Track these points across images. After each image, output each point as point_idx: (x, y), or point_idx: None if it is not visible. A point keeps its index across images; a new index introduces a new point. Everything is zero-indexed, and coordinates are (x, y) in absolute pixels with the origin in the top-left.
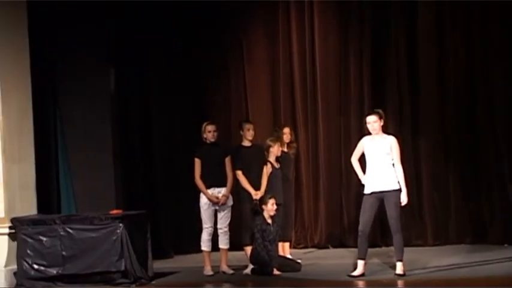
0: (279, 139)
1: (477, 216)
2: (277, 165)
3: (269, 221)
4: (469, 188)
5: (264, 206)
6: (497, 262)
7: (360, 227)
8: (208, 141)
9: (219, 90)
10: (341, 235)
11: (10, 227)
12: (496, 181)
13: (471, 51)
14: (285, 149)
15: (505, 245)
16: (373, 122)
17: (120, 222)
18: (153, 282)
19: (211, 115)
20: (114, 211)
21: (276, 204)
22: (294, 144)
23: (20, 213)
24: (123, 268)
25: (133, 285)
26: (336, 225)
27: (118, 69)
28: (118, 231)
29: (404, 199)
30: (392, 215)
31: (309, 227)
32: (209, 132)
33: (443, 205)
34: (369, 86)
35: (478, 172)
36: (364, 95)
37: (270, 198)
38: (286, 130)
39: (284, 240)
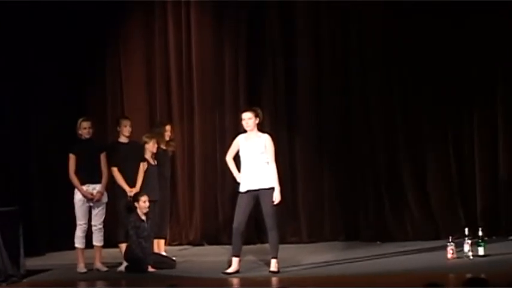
0: (159, 135)
1: (350, 214)
2: (153, 162)
3: (143, 218)
4: (343, 186)
5: (136, 204)
6: (370, 259)
7: (235, 224)
8: (83, 138)
9: (95, 86)
10: (216, 232)
11: None
12: (370, 181)
13: (348, 48)
14: (164, 146)
15: (378, 243)
16: (247, 118)
17: None
18: (25, 280)
19: (87, 111)
20: None
21: (151, 201)
22: (173, 143)
23: None
24: None
25: (4, 284)
26: (211, 222)
27: None
28: None
29: (277, 197)
30: (267, 212)
31: (184, 223)
32: (84, 129)
33: (317, 203)
34: (244, 84)
35: (353, 171)
36: (240, 93)
37: (141, 195)
38: (168, 127)
39: (159, 237)
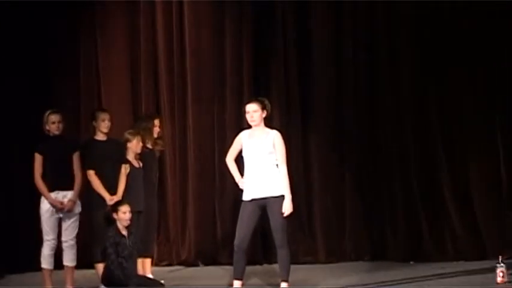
0: (146, 131)
1: (378, 228)
2: (137, 164)
3: (124, 232)
4: (368, 195)
5: (115, 215)
6: (401, 283)
7: (236, 241)
8: (51, 134)
9: (66, 73)
10: (214, 250)
11: None
12: (401, 189)
13: (373, 35)
14: (150, 145)
15: (411, 263)
16: (252, 111)
17: None
18: None
19: (56, 102)
20: None
21: (134, 212)
22: (161, 141)
23: None
24: None
25: None
26: (208, 238)
27: None
28: None
29: (287, 208)
30: (276, 226)
31: (174, 239)
32: (53, 124)
33: (337, 214)
34: (249, 71)
35: (380, 177)
36: (244, 82)
37: (122, 205)
38: (157, 122)
39: (145, 256)
